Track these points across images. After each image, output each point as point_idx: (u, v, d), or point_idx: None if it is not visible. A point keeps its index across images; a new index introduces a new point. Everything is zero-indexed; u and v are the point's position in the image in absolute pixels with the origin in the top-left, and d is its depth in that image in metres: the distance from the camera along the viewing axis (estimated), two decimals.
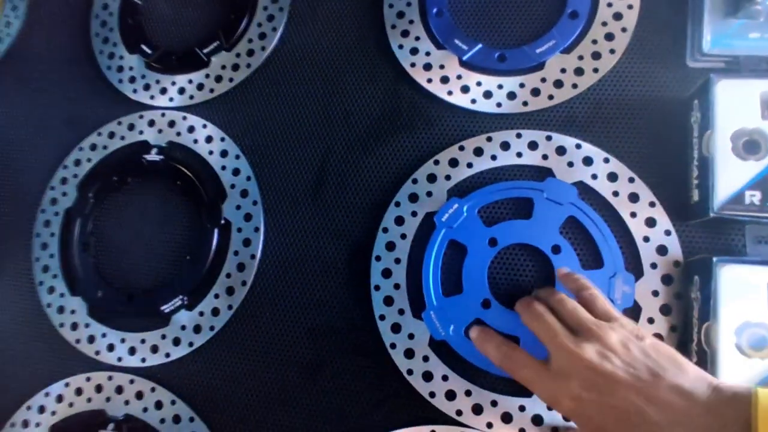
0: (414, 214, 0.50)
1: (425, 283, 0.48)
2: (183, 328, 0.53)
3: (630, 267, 0.46)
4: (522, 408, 0.45)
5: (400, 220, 0.50)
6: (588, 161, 0.48)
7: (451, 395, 0.46)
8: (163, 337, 0.53)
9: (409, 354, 0.48)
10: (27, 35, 0.65)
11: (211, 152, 0.56)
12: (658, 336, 0.44)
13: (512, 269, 0.48)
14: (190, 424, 0.51)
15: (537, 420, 0.45)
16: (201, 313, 0.53)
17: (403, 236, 0.50)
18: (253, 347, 0.52)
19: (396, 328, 0.48)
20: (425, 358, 0.47)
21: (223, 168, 0.55)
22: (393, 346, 0.48)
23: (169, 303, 0.53)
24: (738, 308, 0.39)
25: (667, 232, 0.46)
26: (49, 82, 0.63)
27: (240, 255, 0.53)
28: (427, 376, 0.47)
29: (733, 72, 0.46)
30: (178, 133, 0.57)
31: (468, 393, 0.46)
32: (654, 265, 0.45)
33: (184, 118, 0.58)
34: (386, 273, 0.49)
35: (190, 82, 0.58)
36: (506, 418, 0.45)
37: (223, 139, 0.56)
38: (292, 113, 0.56)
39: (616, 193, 0.47)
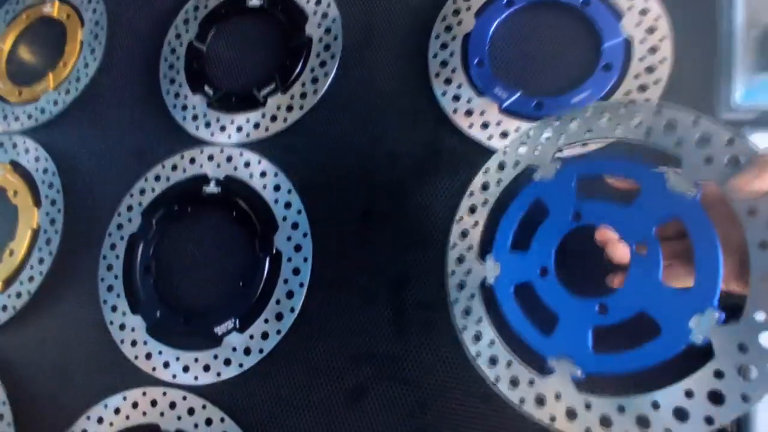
0: (516, 163, 0.46)
1: (500, 231, 0.45)
2: (234, 349, 0.57)
3: (725, 306, 0.36)
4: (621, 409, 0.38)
5: (501, 166, 0.47)
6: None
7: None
8: (215, 357, 0.57)
9: (461, 286, 0.45)
10: (102, 75, 0.72)
11: (264, 186, 0.61)
12: (716, 394, 0.35)
13: (585, 249, 0.41)
14: None
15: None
16: (251, 336, 0.56)
17: (498, 182, 0.46)
18: (299, 371, 0.55)
19: (460, 260, 0.46)
20: (471, 296, 0.45)
21: (276, 201, 0.60)
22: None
23: (222, 325, 0.57)
24: None
25: None
26: (120, 118, 0.69)
27: (289, 283, 0.57)
28: (467, 311, 0.44)
29: (765, 125, 0.48)
30: (235, 168, 0.62)
31: (492, 342, 0.44)
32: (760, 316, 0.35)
33: (241, 154, 0.62)
34: (472, 209, 0.46)
35: (248, 121, 0.64)
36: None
37: (276, 174, 0.61)
38: (340, 152, 0.60)
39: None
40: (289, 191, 0.60)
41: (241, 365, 0.56)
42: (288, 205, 0.59)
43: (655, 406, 0.37)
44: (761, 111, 0.49)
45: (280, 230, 0.59)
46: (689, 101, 0.51)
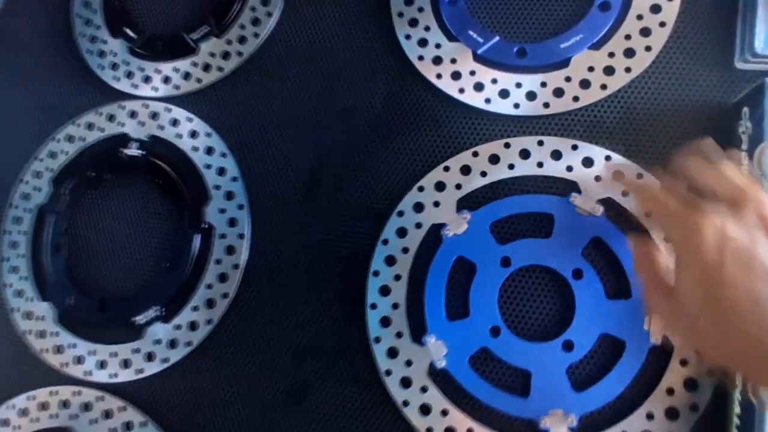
0: (418, 225, 0.44)
1: (428, 303, 0.43)
2: (158, 342, 0.48)
3: None
4: None
5: (402, 232, 0.45)
6: (618, 176, 0.42)
7: None
8: (136, 351, 0.48)
9: (406, 383, 0.42)
10: (6, 18, 0.60)
11: (195, 149, 0.51)
12: (692, 382, 0.39)
13: (527, 294, 0.42)
14: None
15: None
16: (177, 327, 0.48)
17: (405, 250, 0.44)
18: (233, 367, 0.47)
19: (392, 353, 0.43)
20: (423, 389, 0.42)
21: (208, 167, 0.50)
22: (388, 373, 0.43)
23: (144, 314, 0.48)
24: None
25: None
26: (25, 66, 0.58)
27: (222, 264, 0.48)
28: (425, 410, 0.42)
29: None
30: (161, 127, 0.52)
31: (470, 431, 0.41)
32: None
33: (168, 110, 0.52)
34: (384, 290, 0.44)
35: (176, 70, 0.53)
36: None
37: (209, 135, 0.51)
38: (285, 108, 0.50)
39: (648, 213, 0.41)
40: (224, 155, 0.50)
41: (166, 360, 0.47)
42: (222, 172, 0.50)
43: (650, 416, 0.39)
44: None
45: (212, 201, 0.49)
46: (700, 48, 0.43)
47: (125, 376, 0.48)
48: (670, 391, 0.39)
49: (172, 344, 0.48)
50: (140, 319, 0.48)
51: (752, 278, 0.29)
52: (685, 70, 0.43)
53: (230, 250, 0.48)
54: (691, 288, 0.31)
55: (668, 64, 0.44)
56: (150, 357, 0.48)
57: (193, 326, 0.47)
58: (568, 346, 0.40)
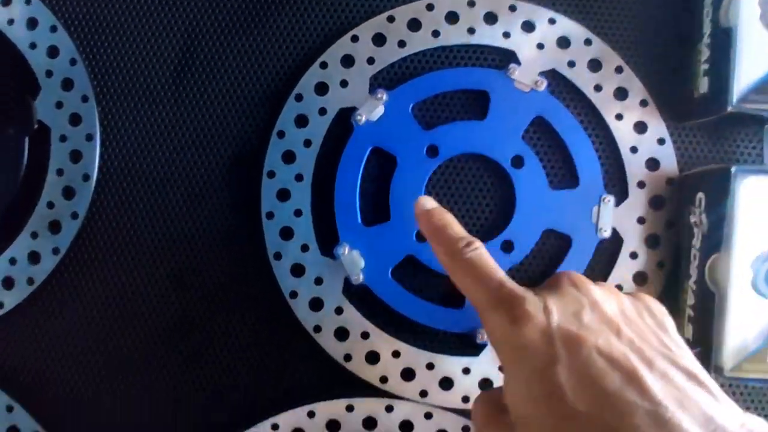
0: (322, 111, 0.35)
1: (338, 207, 0.35)
2: None
3: (611, 186, 0.35)
4: (467, 370, 0.34)
5: (302, 121, 0.35)
6: (564, 42, 0.35)
7: (373, 357, 0.35)
8: None
9: (317, 305, 0.35)
10: None
11: (11, 21, 0.37)
12: (642, 275, 0.34)
13: (458, 188, 0.35)
14: (8, 414, 0.36)
15: (486, 384, 0.34)
16: (12, 261, 0.36)
17: (307, 143, 0.35)
18: (92, 306, 0.36)
19: (298, 270, 0.35)
20: (338, 310, 0.35)
21: (33, 46, 0.36)
22: (293, 294, 0.35)
23: None
24: (757, 235, 0.29)
25: (661, 141, 0.35)
26: None
27: (66, 175, 0.36)
28: (341, 334, 0.35)
29: None
30: None
31: (396, 354, 0.35)
32: (642, 184, 0.35)
33: None
34: (283, 195, 0.35)
35: None
36: (446, 383, 0.34)
37: (28, 1, 0.37)
38: None
39: (598, 88, 0.35)
40: (54, 29, 0.37)
41: (0, 305, 0.36)
42: (54, 53, 0.36)
43: None
44: None
45: (42, 93, 0.36)
46: None
47: None
48: (619, 287, 0.34)
49: (7, 284, 0.36)
50: None
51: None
52: None
53: (75, 156, 0.36)
54: (521, 402, 0.23)
55: None
56: None
57: (33, 258, 0.36)
58: (508, 246, 0.35)
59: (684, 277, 0.32)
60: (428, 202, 0.30)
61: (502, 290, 0.24)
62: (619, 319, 0.23)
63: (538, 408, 0.22)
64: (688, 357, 0.23)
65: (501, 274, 0.25)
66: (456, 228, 0.28)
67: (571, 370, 0.21)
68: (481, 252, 0.26)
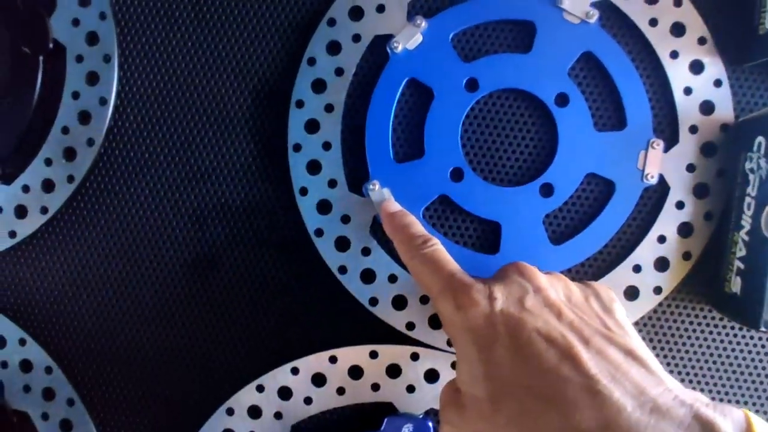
0: (356, 38, 0.33)
1: (370, 141, 0.33)
2: None
3: (660, 130, 0.33)
4: None
5: (334, 48, 0.33)
6: None
7: (400, 302, 0.33)
8: None
9: (343, 245, 0.33)
10: None
11: None
12: (687, 226, 0.32)
13: (497, 126, 0.33)
14: (21, 348, 0.35)
15: None
16: (25, 189, 0.34)
17: (339, 72, 0.33)
18: (107, 239, 0.35)
19: (324, 207, 0.33)
20: (365, 251, 0.33)
21: None
22: (319, 233, 0.33)
23: None
24: None
25: (717, 83, 0.32)
26: None
27: (82, 98, 0.34)
28: (368, 277, 0.33)
29: None
30: None
31: (424, 300, 0.33)
32: (694, 129, 0.32)
33: None
34: (312, 126, 0.33)
35: None
36: None
37: None
38: None
39: (654, 22, 0.32)
40: None
41: (12, 234, 0.35)
42: None
43: (636, 269, 0.33)
44: None
45: (58, 9, 0.34)
46: None
47: None
48: (662, 239, 0.32)
49: (20, 213, 0.35)
50: None
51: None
52: None
53: (92, 78, 0.34)
54: (468, 381, 0.25)
55: None
56: None
57: (47, 186, 0.34)
58: (547, 190, 0.33)
59: (734, 228, 0.31)
60: (393, 206, 0.32)
61: (452, 280, 0.26)
62: (562, 302, 0.25)
63: (480, 386, 0.23)
64: (630, 337, 0.24)
65: (454, 266, 0.27)
66: (416, 227, 0.30)
67: (510, 350, 0.23)
68: (436, 248, 0.28)
